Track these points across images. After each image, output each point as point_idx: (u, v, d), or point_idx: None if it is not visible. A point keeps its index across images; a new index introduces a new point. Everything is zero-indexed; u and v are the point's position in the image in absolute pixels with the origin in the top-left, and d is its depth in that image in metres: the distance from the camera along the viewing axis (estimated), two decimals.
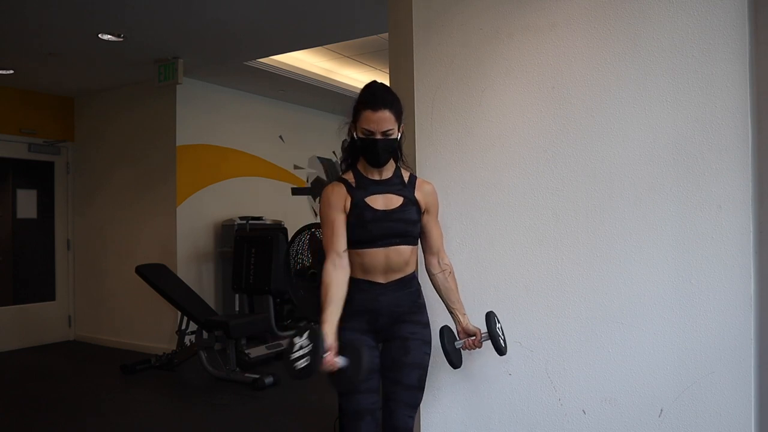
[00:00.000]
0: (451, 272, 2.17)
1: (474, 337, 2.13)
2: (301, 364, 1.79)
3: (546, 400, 2.32)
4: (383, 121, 1.97)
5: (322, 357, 1.77)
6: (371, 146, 1.99)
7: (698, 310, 2.07)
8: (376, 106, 1.97)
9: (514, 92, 2.39)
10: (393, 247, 2.02)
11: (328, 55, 5.60)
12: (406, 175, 2.12)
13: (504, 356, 2.30)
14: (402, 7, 2.65)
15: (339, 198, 2.05)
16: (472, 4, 2.46)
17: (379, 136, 1.98)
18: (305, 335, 1.82)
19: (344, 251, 2.02)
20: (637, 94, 2.17)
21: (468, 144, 2.47)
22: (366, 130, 1.99)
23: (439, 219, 2.19)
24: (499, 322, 2.17)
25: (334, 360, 1.83)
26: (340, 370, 1.86)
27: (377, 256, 2.02)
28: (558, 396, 2.30)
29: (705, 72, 2.06)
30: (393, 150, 2.04)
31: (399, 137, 2.06)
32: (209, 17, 4.03)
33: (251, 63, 5.23)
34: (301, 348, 1.81)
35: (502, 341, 2.12)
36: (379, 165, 2.04)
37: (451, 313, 2.16)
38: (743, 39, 2.01)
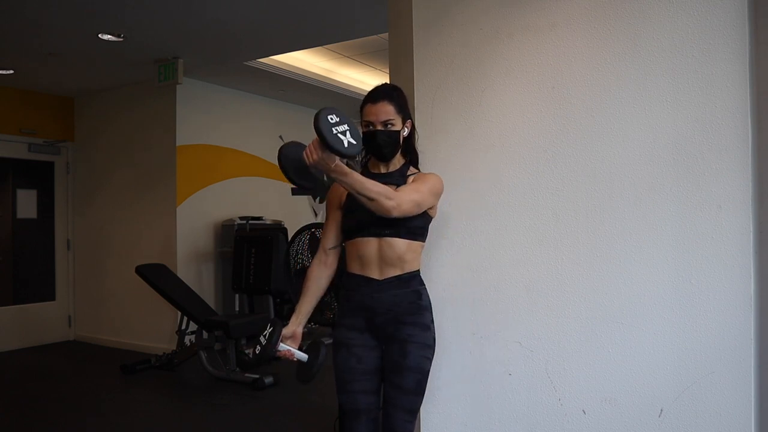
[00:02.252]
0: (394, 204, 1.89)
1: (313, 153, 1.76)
2: (257, 349, 1.95)
3: (546, 400, 2.32)
4: (382, 112, 2.01)
5: (274, 345, 1.92)
6: (372, 138, 2.03)
7: (698, 310, 2.07)
8: (375, 99, 2.03)
9: (514, 92, 2.39)
10: (385, 239, 2.01)
11: (328, 55, 5.60)
12: (412, 171, 2.14)
13: (503, 356, 2.31)
14: (402, 7, 2.65)
15: (335, 194, 2.15)
16: (472, 4, 2.46)
17: (379, 127, 2.01)
18: (269, 325, 1.97)
19: (331, 249, 2.14)
20: (637, 94, 2.16)
21: (468, 144, 2.47)
22: (366, 122, 2.04)
23: (439, 218, 2.20)
24: (347, 124, 1.77)
25: (289, 351, 1.98)
26: (300, 363, 1.99)
27: (370, 246, 2.02)
28: (558, 396, 2.30)
29: (705, 72, 2.06)
30: (395, 142, 2.05)
31: (406, 133, 2.09)
32: (209, 17, 4.04)
33: (251, 63, 5.24)
34: (264, 336, 1.96)
35: (341, 139, 1.71)
36: (384, 158, 2.07)
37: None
38: (743, 39, 2.01)
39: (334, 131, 1.73)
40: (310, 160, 1.78)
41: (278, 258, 5.21)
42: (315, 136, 1.75)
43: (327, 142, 1.72)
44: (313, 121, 1.72)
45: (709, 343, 2.05)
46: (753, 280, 2.01)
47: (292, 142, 1.91)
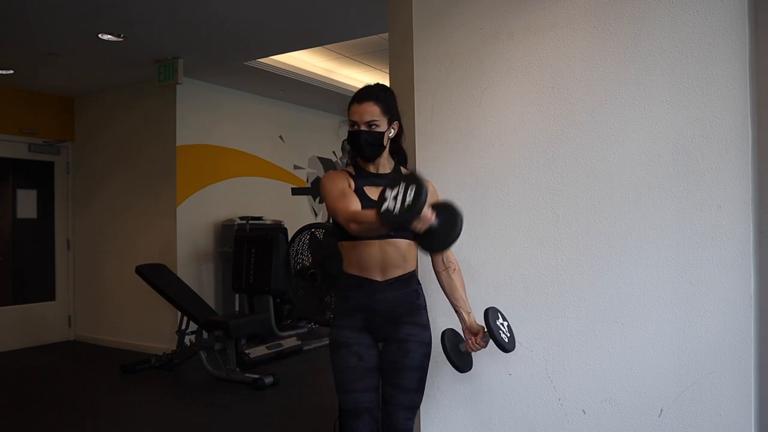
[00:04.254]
0: (456, 269, 2.12)
1: (477, 336, 2.07)
2: (401, 207, 1.62)
3: (546, 400, 2.32)
4: (366, 112, 1.99)
5: (424, 202, 1.61)
6: (355, 138, 2.02)
7: (698, 310, 2.07)
8: (360, 99, 2.02)
9: (514, 92, 2.39)
10: (388, 240, 1.99)
11: (328, 55, 5.60)
12: (405, 173, 2.09)
13: (505, 356, 2.30)
14: (402, 7, 2.65)
15: (343, 177, 2.06)
16: (472, 4, 2.46)
17: (363, 128, 2.00)
18: (403, 183, 1.65)
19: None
20: (637, 94, 2.16)
21: (468, 144, 2.47)
22: (351, 121, 2.03)
23: None
24: (504, 319, 2.09)
25: (431, 214, 1.71)
26: (431, 230, 1.74)
27: (372, 248, 1.99)
28: (558, 396, 2.30)
29: (705, 72, 2.06)
30: (378, 144, 2.02)
31: (392, 134, 2.06)
32: (209, 17, 4.04)
33: (251, 63, 5.23)
34: (397, 196, 1.64)
35: (504, 337, 2.01)
36: (368, 158, 2.05)
37: (456, 312, 2.12)
38: (743, 39, 2.01)
39: (501, 335, 2.03)
40: (475, 349, 2.09)
41: (278, 258, 5.20)
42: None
43: (503, 347, 2.02)
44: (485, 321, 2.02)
45: (709, 343, 2.05)
46: (753, 280, 2.01)
47: (449, 330, 2.15)
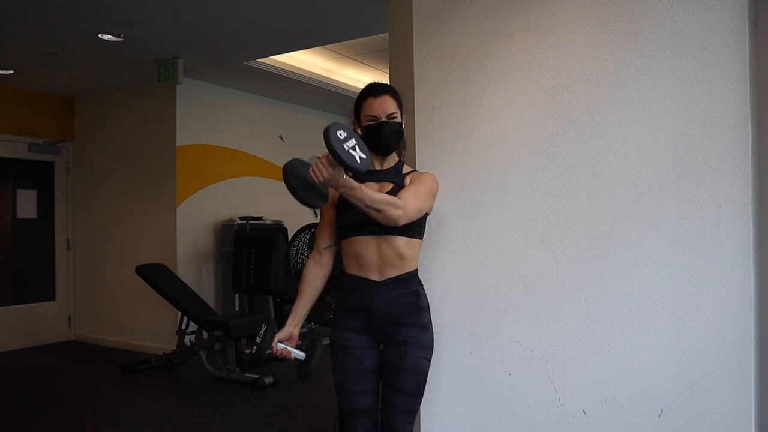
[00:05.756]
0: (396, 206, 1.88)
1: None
2: (253, 349, 1.98)
3: (546, 400, 2.32)
4: (386, 104, 2.02)
5: (267, 343, 1.95)
6: (377, 131, 2.00)
7: (698, 310, 2.07)
8: (377, 92, 2.03)
9: (514, 92, 2.39)
10: (384, 237, 1.98)
11: (328, 55, 5.60)
12: (406, 169, 2.13)
13: (503, 356, 2.31)
14: (402, 7, 2.65)
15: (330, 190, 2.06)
16: (472, 4, 2.46)
17: (384, 119, 2.01)
18: (263, 325, 1.99)
19: (326, 248, 2.10)
20: (637, 94, 2.16)
21: (468, 144, 2.47)
22: (370, 116, 2.02)
23: (439, 218, 2.18)
24: (352, 138, 1.77)
25: (286, 349, 1.97)
26: (299, 361, 1.98)
27: (368, 245, 1.99)
28: (558, 396, 2.30)
29: (705, 72, 2.06)
30: (400, 135, 2.05)
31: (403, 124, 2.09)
32: (209, 17, 4.04)
33: (251, 63, 5.24)
34: (259, 336, 1.98)
35: (354, 155, 1.72)
36: (387, 151, 2.05)
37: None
38: (743, 39, 2.01)
39: (346, 147, 1.73)
40: (321, 179, 1.76)
41: (278, 258, 5.21)
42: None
43: (342, 160, 1.71)
44: (323, 138, 1.70)
45: (709, 343, 2.05)
46: (753, 280, 2.01)
47: (294, 160, 1.86)
